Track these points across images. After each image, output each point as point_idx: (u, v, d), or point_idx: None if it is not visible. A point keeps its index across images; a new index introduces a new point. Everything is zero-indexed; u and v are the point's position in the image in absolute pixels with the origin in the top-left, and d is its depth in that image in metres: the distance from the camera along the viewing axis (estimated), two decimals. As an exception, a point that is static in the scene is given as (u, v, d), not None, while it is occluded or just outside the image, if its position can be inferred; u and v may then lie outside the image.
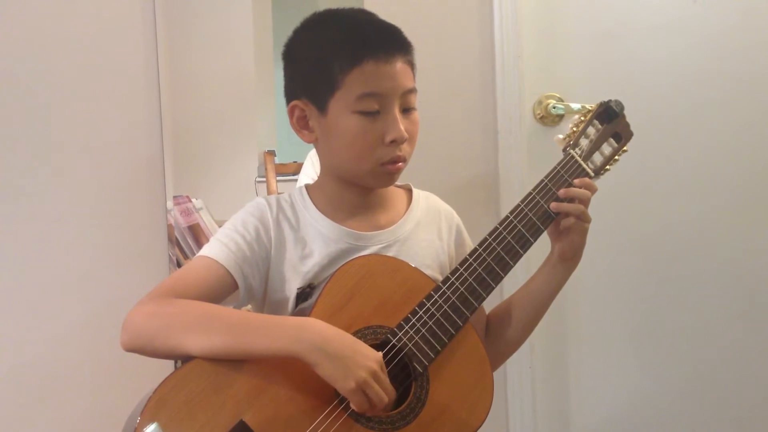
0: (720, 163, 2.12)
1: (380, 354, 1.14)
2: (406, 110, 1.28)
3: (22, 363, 1.75)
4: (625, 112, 1.42)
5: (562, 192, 1.32)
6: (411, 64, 1.30)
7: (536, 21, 2.09)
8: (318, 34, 1.30)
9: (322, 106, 1.27)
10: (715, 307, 2.14)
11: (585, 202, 1.32)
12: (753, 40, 2.09)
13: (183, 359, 1.13)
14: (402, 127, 1.25)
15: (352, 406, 1.12)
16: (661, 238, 2.14)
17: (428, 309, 1.23)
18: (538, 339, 2.08)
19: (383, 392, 1.12)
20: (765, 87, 2.09)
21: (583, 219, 1.32)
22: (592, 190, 1.34)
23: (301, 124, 1.32)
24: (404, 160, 1.29)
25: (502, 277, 1.28)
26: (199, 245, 1.95)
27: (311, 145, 1.36)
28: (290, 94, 1.32)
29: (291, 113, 1.32)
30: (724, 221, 2.13)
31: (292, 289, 1.28)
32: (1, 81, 1.73)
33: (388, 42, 1.26)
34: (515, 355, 1.46)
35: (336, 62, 1.23)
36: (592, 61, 2.13)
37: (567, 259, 1.35)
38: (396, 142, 1.25)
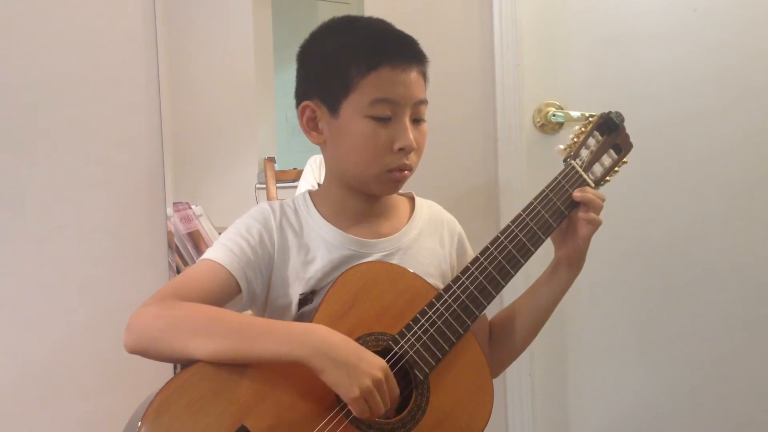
0: (720, 169, 2.12)
1: (384, 361, 1.14)
2: (416, 120, 1.29)
3: (22, 368, 1.75)
4: (626, 119, 1.42)
5: (577, 193, 1.33)
6: (425, 76, 1.31)
7: (536, 29, 2.10)
8: (337, 38, 1.31)
9: (334, 108, 1.27)
10: (717, 313, 2.14)
11: (597, 208, 1.34)
12: (752, 48, 2.10)
13: (185, 363, 1.13)
14: (411, 136, 1.26)
15: (353, 412, 1.12)
16: (662, 244, 2.15)
17: (430, 317, 1.23)
18: (537, 346, 2.08)
19: (383, 402, 1.12)
20: (764, 94, 2.10)
21: (596, 221, 1.34)
22: (603, 199, 1.35)
23: (310, 126, 1.32)
24: (410, 169, 1.29)
25: (503, 286, 1.29)
26: (199, 252, 1.95)
27: (311, 152, 1.36)
28: (302, 94, 1.33)
29: (301, 114, 1.32)
30: (726, 227, 2.13)
31: (294, 295, 1.28)
32: (0, 86, 1.73)
33: (405, 51, 1.28)
34: (515, 362, 1.46)
35: (353, 65, 1.24)
36: (592, 70, 2.14)
37: (571, 264, 1.36)
38: (404, 151, 1.26)
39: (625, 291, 2.17)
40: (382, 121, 1.25)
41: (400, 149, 1.25)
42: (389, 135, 1.25)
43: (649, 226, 2.15)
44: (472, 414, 1.23)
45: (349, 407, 1.12)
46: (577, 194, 1.33)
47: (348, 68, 1.25)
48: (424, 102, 1.30)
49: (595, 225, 1.34)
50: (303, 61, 1.34)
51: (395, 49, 1.27)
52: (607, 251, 2.07)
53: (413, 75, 1.27)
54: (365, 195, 1.33)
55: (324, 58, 1.30)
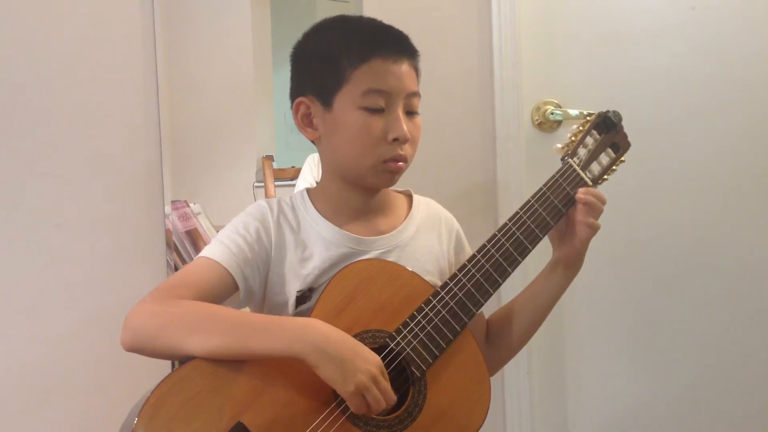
0: (719, 167, 2.12)
1: (379, 358, 1.14)
2: (410, 113, 1.30)
3: (20, 366, 1.75)
4: (624, 117, 1.42)
5: (581, 194, 1.32)
6: (416, 70, 1.33)
7: (535, 27, 2.10)
8: (328, 34, 1.33)
9: (327, 102, 1.28)
10: (715, 312, 2.14)
11: (597, 212, 1.33)
12: (751, 45, 2.10)
13: (182, 360, 1.13)
14: (405, 127, 1.27)
15: (351, 408, 1.12)
16: (660, 243, 2.15)
17: (427, 314, 1.23)
18: (535, 344, 2.07)
19: (381, 397, 1.12)
20: (764, 92, 2.10)
21: (595, 226, 1.33)
22: (604, 202, 1.34)
23: (305, 122, 1.33)
24: (405, 161, 1.30)
25: (500, 284, 1.29)
26: (197, 250, 1.95)
27: (309, 151, 1.36)
28: (296, 92, 1.34)
29: (296, 110, 1.34)
30: (724, 225, 2.13)
31: (291, 292, 1.28)
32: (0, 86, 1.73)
33: (396, 43, 1.30)
34: (512, 360, 1.46)
35: (345, 58, 1.26)
36: (590, 68, 2.14)
37: (569, 265, 1.36)
38: (398, 141, 1.27)
39: (623, 289, 2.17)
40: (376, 112, 1.26)
41: (395, 140, 1.26)
42: (383, 126, 1.26)
43: (648, 224, 2.15)
44: (470, 411, 1.23)
45: (347, 403, 1.12)
46: (580, 195, 1.33)
47: (340, 61, 1.26)
48: (416, 94, 1.31)
49: (594, 229, 1.33)
50: (296, 59, 1.36)
51: (386, 41, 1.29)
52: (605, 250, 2.06)
53: (404, 67, 1.28)
54: (362, 190, 1.33)
55: (317, 54, 1.32)
